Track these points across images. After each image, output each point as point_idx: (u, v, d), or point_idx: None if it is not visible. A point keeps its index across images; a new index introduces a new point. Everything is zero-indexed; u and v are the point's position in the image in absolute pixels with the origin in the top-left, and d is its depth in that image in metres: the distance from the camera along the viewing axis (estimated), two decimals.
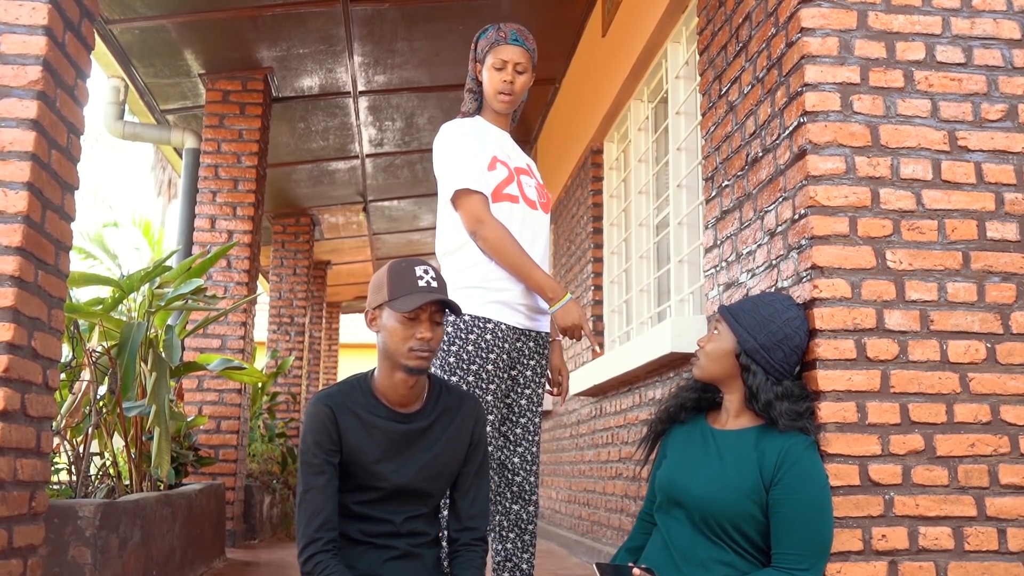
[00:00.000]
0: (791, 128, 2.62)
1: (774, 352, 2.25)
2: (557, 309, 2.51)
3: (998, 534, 2.37)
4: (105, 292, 4.14)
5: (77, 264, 10.87)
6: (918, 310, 2.47)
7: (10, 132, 2.28)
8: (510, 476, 2.59)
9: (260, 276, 9.11)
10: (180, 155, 6.44)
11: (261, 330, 9.91)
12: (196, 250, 5.66)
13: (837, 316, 2.43)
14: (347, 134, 7.15)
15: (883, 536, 2.33)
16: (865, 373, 2.41)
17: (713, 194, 3.29)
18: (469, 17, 5.57)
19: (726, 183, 3.16)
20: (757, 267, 2.85)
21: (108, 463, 3.82)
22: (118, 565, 3.05)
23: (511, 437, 2.61)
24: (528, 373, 2.63)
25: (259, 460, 6.88)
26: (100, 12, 4.60)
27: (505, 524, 2.58)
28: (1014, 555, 2.36)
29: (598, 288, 5.82)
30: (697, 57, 3.81)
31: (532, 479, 2.60)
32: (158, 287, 4.02)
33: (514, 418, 2.61)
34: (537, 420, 2.65)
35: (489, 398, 2.47)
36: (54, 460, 3.61)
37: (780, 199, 2.68)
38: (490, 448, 2.47)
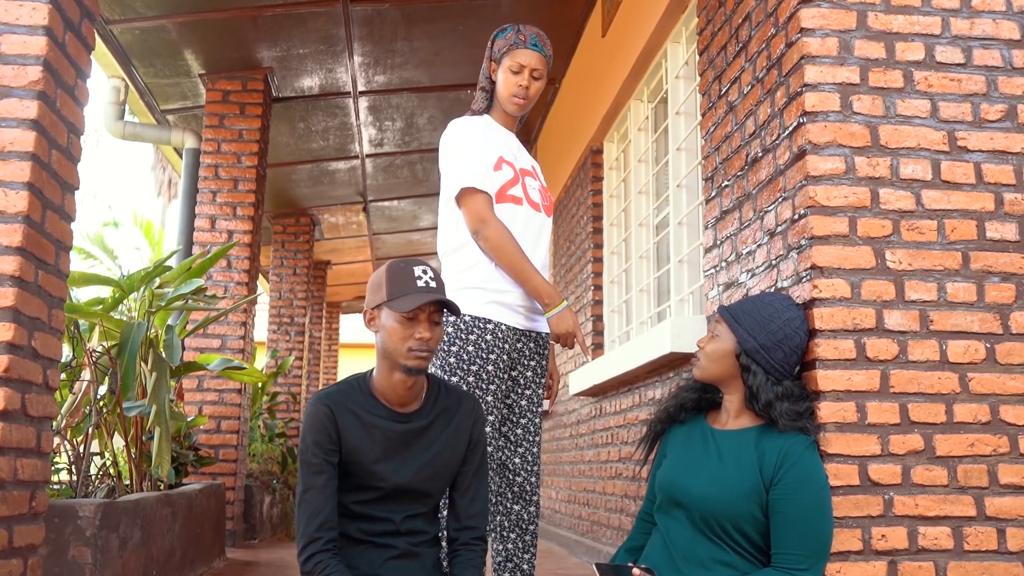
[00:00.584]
0: (791, 128, 2.62)
1: (774, 352, 2.25)
2: (552, 315, 2.51)
3: (997, 534, 2.37)
4: (105, 292, 4.15)
5: (77, 264, 10.88)
6: (918, 310, 2.47)
7: (10, 132, 2.28)
8: (511, 476, 2.59)
9: (260, 276, 9.11)
10: (180, 155, 6.44)
11: (261, 330, 9.92)
12: (196, 250, 5.66)
13: (837, 316, 2.43)
14: (347, 134, 7.15)
15: (883, 536, 2.33)
16: (865, 373, 2.41)
17: (713, 194, 3.29)
18: (469, 17, 5.57)
19: (726, 183, 3.16)
20: (757, 267, 2.85)
21: (108, 463, 3.82)
22: (118, 565, 3.05)
23: (512, 438, 2.61)
24: (528, 374, 2.63)
25: (259, 460, 6.88)
26: (100, 12, 4.61)
27: (506, 524, 2.58)
28: (1013, 555, 2.36)
29: (598, 288, 5.82)
30: (697, 57, 3.82)
31: (533, 479, 2.61)
32: (158, 287, 4.02)
33: (514, 419, 2.61)
34: (538, 421, 2.65)
35: (489, 399, 2.47)
36: (54, 460, 3.62)
37: (780, 199, 2.69)
38: (491, 449, 2.47)
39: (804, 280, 2.50)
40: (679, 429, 2.37)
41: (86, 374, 3.53)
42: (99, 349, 3.65)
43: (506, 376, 2.55)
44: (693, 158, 4.28)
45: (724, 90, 3.22)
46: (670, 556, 2.17)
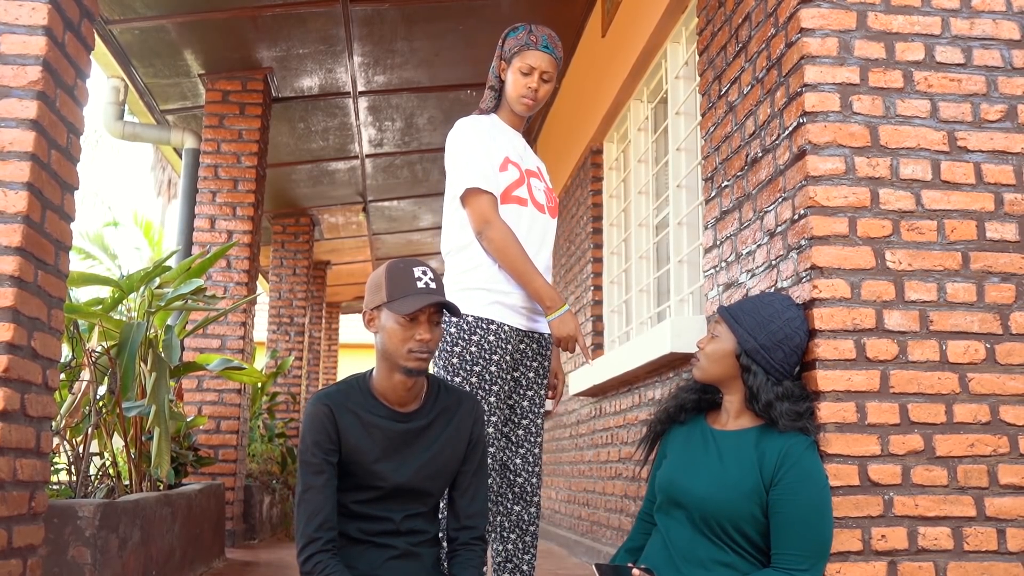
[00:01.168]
0: (791, 128, 2.62)
1: (774, 352, 2.25)
2: (554, 319, 2.50)
3: (997, 534, 2.37)
4: (105, 292, 4.14)
5: (77, 264, 10.88)
6: (917, 310, 2.47)
7: (10, 132, 2.28)
8: (512, 477, 2.59)
9: (260, 276, 9.11)
10: (180, 155, 6.44)
11: (261, 330, 9.91)
12: (196, 250, 5.66)
13: (837, 316, 2.43)
14: (347, 134, 7.15)
15: (882, 536, 2.33)
16: (865, 373, 2.41)
17: (713, 194, 3.29)
18: (469, 17, 5.57)
19: (726, 183, 3.16)
20: (757, 267, 2.85)
21: (108, 463, 3.82)
22: (118, 565, 3.05)
23: (513, 438, 2.61)
24: (531, 375, 2.63)
25: (259, 460, 6.88)
26: (100, 12, 4.60)
27: (507, 525, 2.58)
28: (1013, 555, 2.36)
29: (598, 288, 5.82)
30: (697, 57, 3.82)
31: (534, 480, 2.60)
32: (158, 287, 4.02)
33: (516, 419, 2.61)
34: (539, 421, 2.65)
35: (492, 399, 2.47)
36: (54, 460, 3.61)
37: (780, 199, 2.69)
38: (492, 449, 2.47)
39: (804, 280, 2.50)
40: (679, 429, 2.37)
41: (85, 374, 3.53)
42: (98, 349, 3.65)
43: (508, 377, 2.55)
44: (693, 158, 4.28)
45: (724, 90, 3.22)
46: (670, 556, 2.17)
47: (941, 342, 2.45)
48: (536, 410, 2.64)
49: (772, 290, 2.71)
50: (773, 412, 2.20)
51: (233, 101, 5.91)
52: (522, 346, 2.60)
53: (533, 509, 2.60)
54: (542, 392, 2.66)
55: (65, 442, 3.57)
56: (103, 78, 5.94)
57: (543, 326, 2.64)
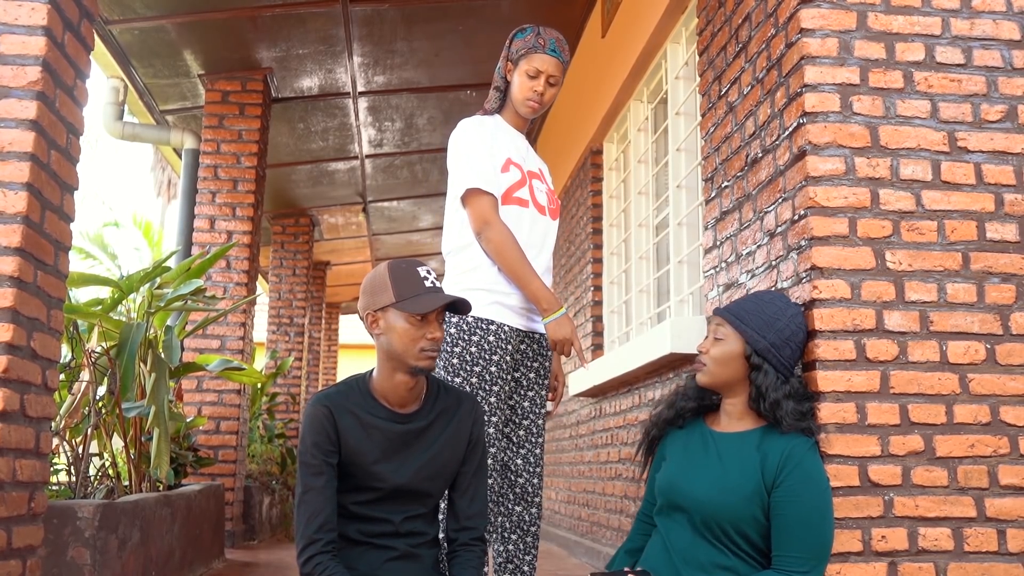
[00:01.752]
0: (791, 129, 2.62)
1: (783, 350, 2.25)
2: (550, 321, 2.50)
3: (998, 535, 2.37)
4: (104, 293, 4.14)
5: (76, 264, 10.87)
6: (918, 311, 2.46)
7: (9, 132, 2.28)
8: (513, 478, 2.59)
9: (259, 277, 9.11)
10: (179, 156, 6.43)
11: (260, 331, 9.91)
12: (195, 251, 5.66)
13: (837, 317, 2.43)
14: (346, 135, 7.15)
15: (883, 537, 2.33)
16: (865, 374, 2.41)
17: (713, 195, 3.29)
18: (469, 17, 5.57)
19: (726, 184, 3.16)
20: (757, 268, 2.85)
21: (107, 464, 3.82)
22: (117, 566, 3.05)
23: (514, 439, 2.60)
24: (531, 375, 2.62)
25: (258, 461, 6.88)
26: (99, 12, 4.60)
27: (507, 526, 2.57)
28: (1014, 556, 2.36)
29: (597, 289, 5.82)
30: (697, 58, 3.81)
31: (535, 481, 2.60)
32: (157, 288, 4.02)
33: (517, 420, 2.61)
34: (540, 422, 2.64)
35: (492, 400, 2.47)
36: (53, 461, 3.61)
37: (780, 200, 2.68)
38: (493, 450, 2.47)
39: (804, 281, 2.49)
40: (677, 432, 2.37)
41: (85, 375, 3.52)
42: (98, 350, 3.64)
43: (509, 377, 2.55)
44: (693, 159, 4.28)
45: (724, 91, 3.22)
46: (670, 559, 2.17)
47: (941, 343, 2.45)
48: (537, 411, 2.64)
49: (772, 290, 2.71)
50: (779, 411, 2.18)
51: (233, 101, 5.90)
52: (522, 347, 2.60)
53: (534, 510, 2.60)
54: (543, 393, 2.66)
55: (64, 443, 3.57)
56: (103, 78, 5.94)
57: (543, 327, 2.64)
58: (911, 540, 2.34)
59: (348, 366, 10.45)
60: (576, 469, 5.89)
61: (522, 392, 2.61)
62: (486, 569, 2.20)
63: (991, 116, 2.59)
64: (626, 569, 2.17)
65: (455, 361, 2.47)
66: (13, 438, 2.23)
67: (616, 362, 4.50)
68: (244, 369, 4.52)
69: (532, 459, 2.61)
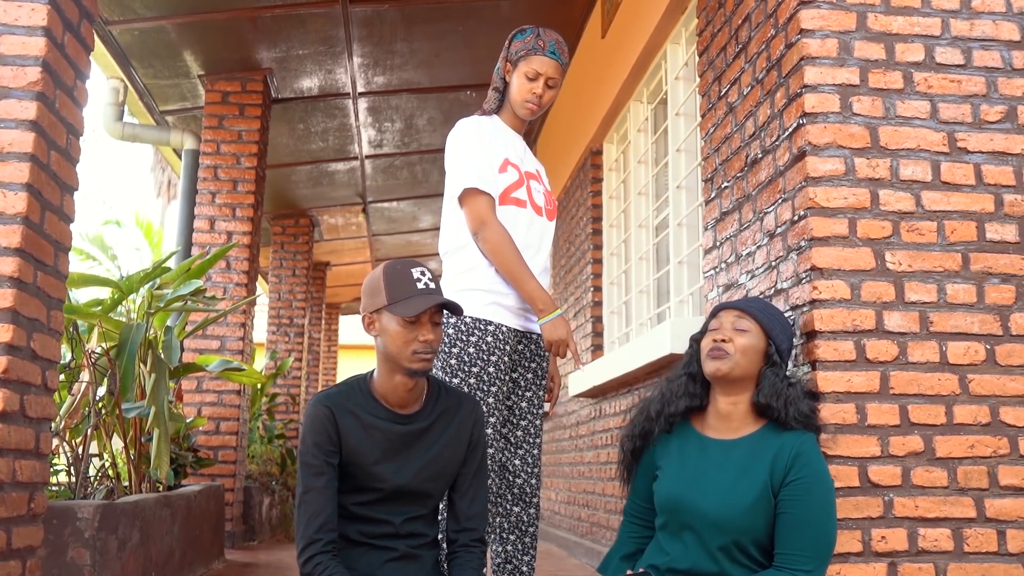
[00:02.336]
0: (790, 129, 2.62)
1: (790, 351, 2.27)
2: (545, 322, 2.50)
3: (997, 535, 2.37)
4: (104, 293, 4.14)
5: (76, 265, 10.87)
6: (917, 311, 2.47)
7: (9, 133, 2.28)
8: (511, 478, 2.59)
9: (259, 277, 9.11)
10: (179, 156, 6.44)
11: (260, 331, 9.90)
12: (195, 251, 5.66)
13: (836, 317, 2.43)
14: (346, 135, 7.15)
15: (883, 537, 2.33)
16: (865, 374, 2.41)
17: (712, 195, 3.29)
18: (469, 18, 5.57)
19: (725, 184, 3.16)
20: (756, 268, 2.85)
21: (107, 464, 3.82)
22: (117, 566, 3.05)
23: (512, 439, 2.60)
24: (529, 376, 2.63)
25: (258, 461, 6.88)
26: (99, 13, 4.60)
27: (506, 526, 2.57)
28: (1014, 556, 2.36)
29: (597, 289, 5.82)
30: (696, 58, 3.82)
31: (533, 481, 2.60)
32: (157, 288, 4.02)
33: (515, 420, 2.61)
34: (538, 423, 2.64)
35: (491, 400, 2.47)
36: (53, 461, 3.61)
37: (779, 200, 2.68)
38: (491, 450, 2.47)
39: (804, 281, 2.50)
40: (667, 438, 2.27)
41: (85, 375, 3.52)
42: (98, 350, 3.64)
43: (507, 378, 2.55)
44: (693, 159, 4.28)
45: (724, 91, 3.22)
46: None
47: (941, 343, 2.45)
48: (535, 411, 2.64)
49: (772, 291, 2.71)
50: (791, 409, 2.13)
51: (233, 102, 5.90)
52: (520, 347, 2.60)
53: (532, 510, 2.60)
54: (540, 393, 2.66)
55: (64, 443, 3.57)
56: (102, 79, 5.94)
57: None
58: (911, 541, 2.34)
59: (348, 367, 10.45)
60: (576, 470, 5.89)
61: (520, 393, 2.61)
62: (485, 570, 2.20)
63: (991, 117, 2.59)
64: (628, 573, 2.15)
65: (453, 362, 2.47)
66: (13, 439, 2.23)
67: (616, 363, 4.50)
68: (244, 370, 4.52)
69: (530, 459, 2.61)
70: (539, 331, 2.63)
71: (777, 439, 2.13)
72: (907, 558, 2.33)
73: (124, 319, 3.94)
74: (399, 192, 8.72)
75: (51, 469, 3.52)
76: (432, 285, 2.04)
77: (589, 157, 5.99)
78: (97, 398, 3.60)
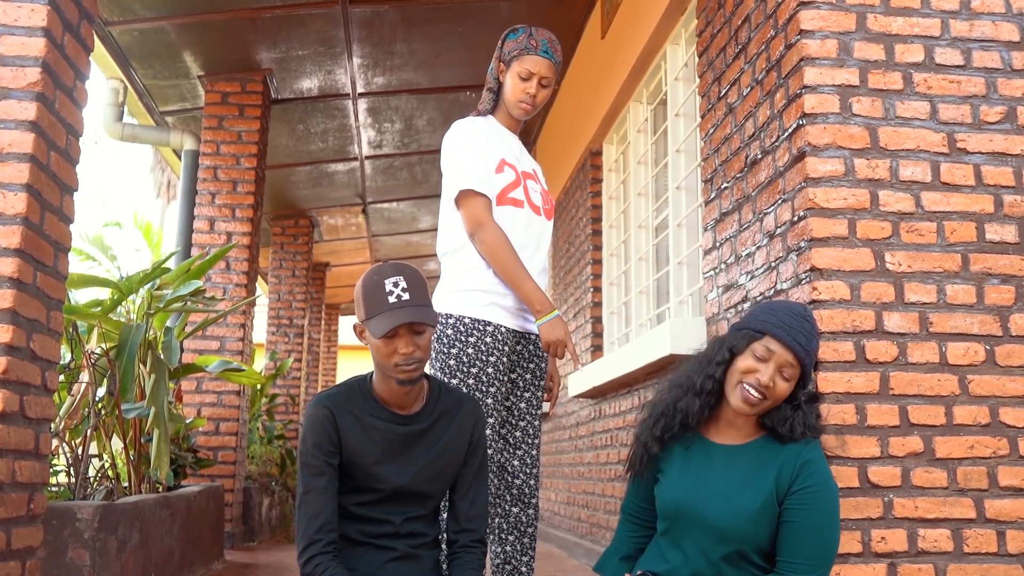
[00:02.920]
0: (790, 130, 2.62)
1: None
2: (543, 323, 2.49)
3: (997, 536, 2.37)
4: (104, 294, 4.14)
5: (76, 266, 10.87)
6: (917, 312, 2.47)
7: (9, 134, 2.27)
8: (510, 479, 2.59)
9: (259, 278, 9.11)
10: (179, 157, 6.44)
11: (260, 332, 9.90)
12: (195, 252, 5.66)
13: (836, 318, 2.43)
14: (346, 136, 7.15)
15: (882, 538, 2.33)
16: (864, 375, 2.41)
17: (712, 196, 3.29)
18: (469, 18, 5.57)
19: (725, 185, 3.16)
20: (756, 269, 2.85)
21: (107, 465, 3.82)
22: (116, 567, 3.05)
23: (511, 440, 2.61)
24: (527, 376, 2.63)
25: (258, 462, 6.88)
26: (99, 13, 4.61)
27: (504, 527, 2.57)
28: (1013, 557, 2.36)
29: (597, 290, 5.82)
30: (696, 59, 3.82)
31: (532, 482, 2.60)
32: (157, 289, 4.02)
33: (513, 421, 2.61)
34: (537, 423, 2.64)
35: (489, 401, 2.47)
36: (53, 462, 3.61)
37: (779, 201, 2.69)
38: (490, 451, 2.47)
39: (803, 282, 2.50)
40: (670, 443, 2.19)
41: (85, 376, 3.52)
42: (98, 351, 3.64)
43: (505, 379, 2.55)
44: (692, 160, 4.28)
45: (723, 92, 3.22)
46: None
47: (941, 344, 2.45)
48: (534, 412, 2.64)
49: (771, 291, 2.71)
50: (797, 429, 2.06)
51: (232, 103, 5.90)
52: (519, 347, 2.60)
53: (531, 511, 2.60)
54: (539, 394, 2.66)
55: (64, 444, 3.57)
56: (102, 79, 5.94)
57: None
58: (911, 541, 2.34)
59: (348, 367, 10.45)
60: (576, 470, 5.89)
61: (518, 393, 2.61)
62: (484, 570, 2.20)
63: (990, 117, 2.59)
64: (627, 575, 2.14)
65: (452, 362, 2.47)
66: (12, 439, 2.23)
67: (616, 363, 4.50)
68: (243, 370, 4.52)
69: (529, 460, 2.60)
70: (537, 332, 2.63)
71: (783, 445, 2.09)
72: (907, 559, 2.33)
73: (124, 320, 3.94)
74: (399, 193, 8.72)
75: (51, 470, 3.52)
76: (406, 296, 1.96)
77: (589, 158, 5.99)
78: (97, 399, 3.60)
